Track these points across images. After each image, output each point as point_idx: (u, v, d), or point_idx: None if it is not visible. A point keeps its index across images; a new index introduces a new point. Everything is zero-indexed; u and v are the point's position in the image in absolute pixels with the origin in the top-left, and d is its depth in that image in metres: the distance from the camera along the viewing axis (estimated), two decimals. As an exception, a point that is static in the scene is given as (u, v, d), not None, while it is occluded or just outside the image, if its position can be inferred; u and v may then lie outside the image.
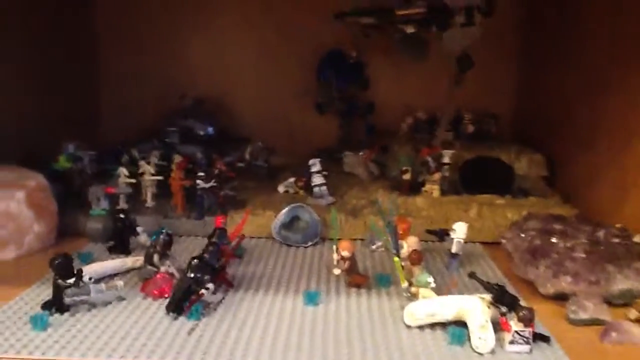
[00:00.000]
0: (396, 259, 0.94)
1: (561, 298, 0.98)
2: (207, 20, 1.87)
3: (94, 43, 1.88)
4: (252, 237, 1.29)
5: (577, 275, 0.96)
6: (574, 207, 1.34)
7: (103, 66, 1.90)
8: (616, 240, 1.05)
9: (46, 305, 0.91)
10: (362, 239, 1.26)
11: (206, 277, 0.92)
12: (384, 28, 1.38)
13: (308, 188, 1.43)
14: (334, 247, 1.03)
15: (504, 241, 1.15)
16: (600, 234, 1.07)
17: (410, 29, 1.30)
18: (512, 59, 1.84)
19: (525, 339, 0.82)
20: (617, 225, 1.11)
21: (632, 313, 0.92)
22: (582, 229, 1.09)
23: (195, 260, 0.92)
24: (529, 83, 1.79)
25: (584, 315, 0.92)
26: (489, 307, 0.87)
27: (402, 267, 1.01)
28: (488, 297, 0.89)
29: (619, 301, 0.98)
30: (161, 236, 1.03)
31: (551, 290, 0.99)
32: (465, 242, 1.26)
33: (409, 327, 0.89)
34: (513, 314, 0.84)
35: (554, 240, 1.04)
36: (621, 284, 0.96)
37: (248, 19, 1.86)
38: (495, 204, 1.33)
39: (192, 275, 0.91)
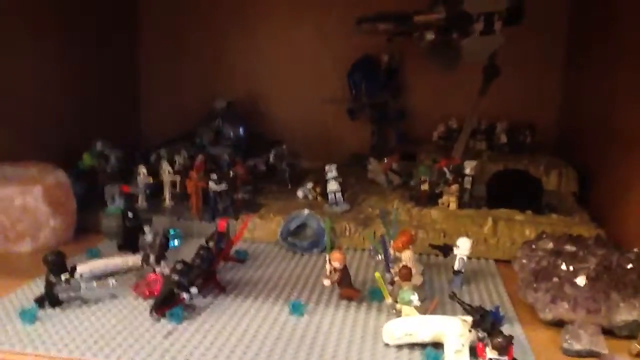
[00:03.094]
0: (377, 274, 0.91)
1: (560, 325, 0.92)
2: (247, 25, 1.90)
3: (136, 49, 1.96)
4: (262, 242, 1.30)
5: (575, 302, 0.90)
6: (603, 227, 1.25)
7: (144, 72, 1.98)
8: (629, 266, 0.97)
9: (39, 299, 0.94)
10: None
11: (190, 281, 0.93)
12: (406, 34, 1.34)
13: (325, 194, 1.42)
14: (327, 257, 1.02)
15: (513, 260, 1.10)
16: (614, 258, 0.99)
17: (429, 35, 1.26)
18: (557, 69, 1.75)
19: (501, 368, 0.78)
20: (635, 250, 1.02)
21: (635, 347, 0.86)
22: (596, 252, 1.01)
23: (179, 264, 0.93)
24: (573, 94, 1.69)
25: (577, 346, 0.86)
26: (470, 331, 0.83)
27: (394, 282, 0.98)
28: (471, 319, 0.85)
29: (624, 333, 0.90)
30: (158, 237, 1.05)
31: (549, 316, 0.93)
32: (478, 259, 1.23)
33: (387, 345, 0.87)
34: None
35: (559, 262, 0.98)
36: (625, 314, 0.89)
37: (286, 24, 1.88)
38: (513, 219, 1.26)
39: (175, 278, 0.92)
